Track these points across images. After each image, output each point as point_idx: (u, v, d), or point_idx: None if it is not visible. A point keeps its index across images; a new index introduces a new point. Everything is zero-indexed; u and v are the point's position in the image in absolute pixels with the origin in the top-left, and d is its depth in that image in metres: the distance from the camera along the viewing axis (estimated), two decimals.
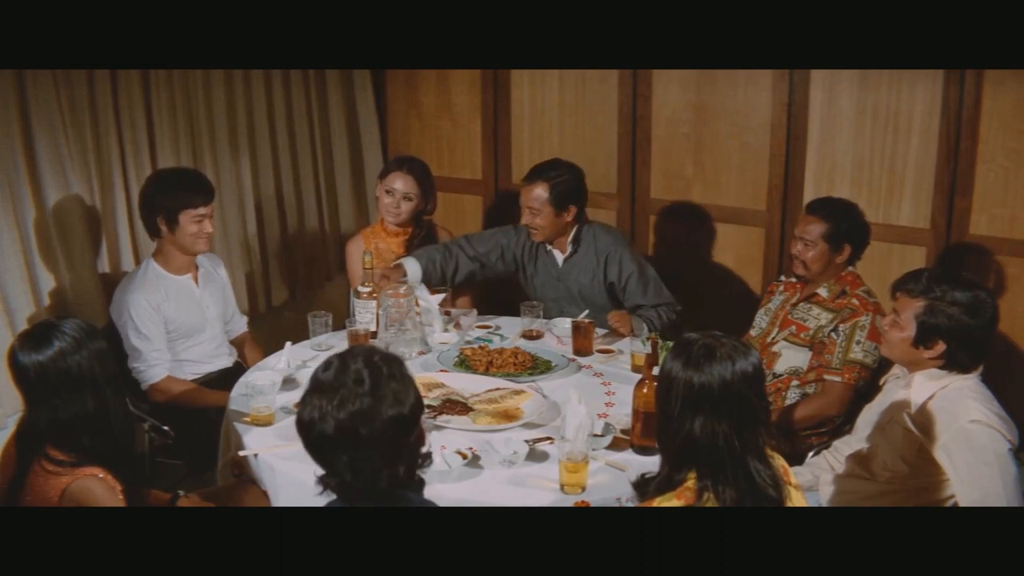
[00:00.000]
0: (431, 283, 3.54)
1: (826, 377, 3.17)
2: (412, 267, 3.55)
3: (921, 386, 2.51)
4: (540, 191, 3.53)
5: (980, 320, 2.42)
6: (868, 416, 2.73)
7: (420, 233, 3.81)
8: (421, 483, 1.95)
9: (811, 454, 2.98)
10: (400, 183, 3.75)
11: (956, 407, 2.42)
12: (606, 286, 3.63)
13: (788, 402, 3.26)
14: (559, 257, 3.69)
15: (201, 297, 3.42)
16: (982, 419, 2.38)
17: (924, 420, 2.47)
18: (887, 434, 2.59)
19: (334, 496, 1.89)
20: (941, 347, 2.45)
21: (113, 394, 2.30)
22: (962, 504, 2.42)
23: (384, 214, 3.80)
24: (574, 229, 3.64)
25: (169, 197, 3.24)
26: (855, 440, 2.75)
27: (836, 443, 2.85)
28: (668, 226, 4.52)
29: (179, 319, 3.35)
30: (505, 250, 3.75)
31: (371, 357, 1.84)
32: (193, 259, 3.41)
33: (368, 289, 3.32)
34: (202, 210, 3.27)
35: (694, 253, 4.46)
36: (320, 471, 1.88)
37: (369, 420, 1.78)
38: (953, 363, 2.47)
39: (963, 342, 2.44)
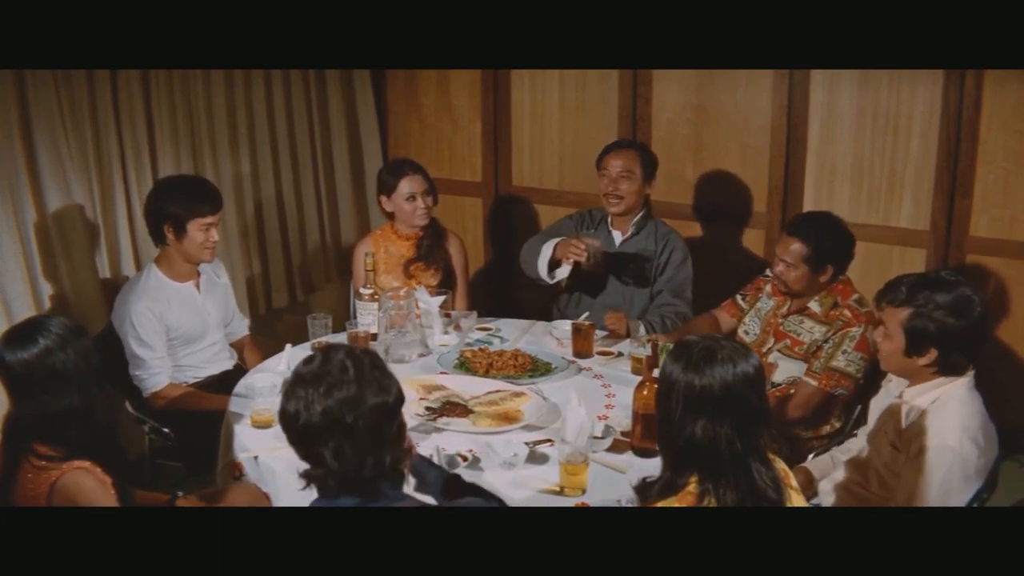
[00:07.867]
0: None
1: (803, 378, 3.14)
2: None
3: (912, 402, 2.49)
4: (633, 158, 3.67)
5: (968, 319, 2.37)
6: (874, 409, 2.72)
7: (430, 234, 3.78)
8: (401, 477, 1.97)
9: (811, 456, 2.97)
10: (416, 185, 3.71)
11: (934, 426, 2.39)
12: (655, 276, 3.67)
13: None
14: (618, 238, 3.75)
15: (203, 304, 3.40)
16: (950, 443, 2.35)
17: (908, 439, 2.45)
18: (876, 444, 2.58)
19: (317, 492, 1.91)
20: (933, 353, 2.41)
21: (98, 390, 2.31)
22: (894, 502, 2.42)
23: (412, 220, 3.71)
24: (639, 213, 3.72)
25: (178, 205, 3.21)
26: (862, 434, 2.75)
27: (835, 451, 2.83)
28: None
29: (181, 327, 3.33)
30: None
31: (352, 350, 1.91)
32: (196, 265, 3.38)
33: (370, 291, 3.31)
34: (210, 219, 3.25)
35: (693, 255, 4.44)
36: (304, 467, 1.90)
37: (355, 407, 1.83)
38: (947, 367, 2.44)
39: (954, 345, 2.40)
